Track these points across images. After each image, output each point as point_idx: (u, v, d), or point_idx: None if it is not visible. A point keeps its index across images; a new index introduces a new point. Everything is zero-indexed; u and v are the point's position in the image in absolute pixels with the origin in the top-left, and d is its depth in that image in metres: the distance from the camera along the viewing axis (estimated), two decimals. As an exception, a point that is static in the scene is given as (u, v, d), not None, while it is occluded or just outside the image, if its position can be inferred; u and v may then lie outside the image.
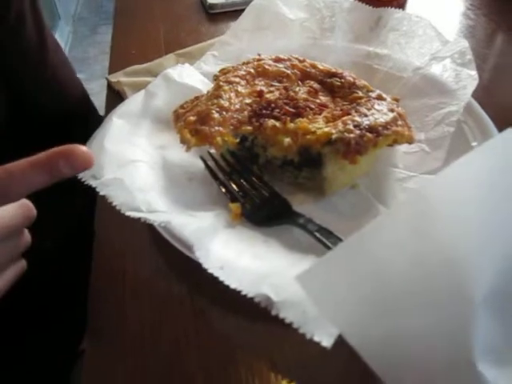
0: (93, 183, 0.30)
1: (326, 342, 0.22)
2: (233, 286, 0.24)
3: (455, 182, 0.23)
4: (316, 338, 0.22)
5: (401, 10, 0.46)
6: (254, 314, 0.24)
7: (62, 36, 3.08)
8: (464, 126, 0.36)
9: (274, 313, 0.23)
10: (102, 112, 0.50)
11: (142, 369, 0.25)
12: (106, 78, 0.49)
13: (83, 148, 0.24)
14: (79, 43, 3.21)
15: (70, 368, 0.53)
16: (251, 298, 0.24)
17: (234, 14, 0.61)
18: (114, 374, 0.26)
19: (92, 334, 0.28)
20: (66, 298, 0.51)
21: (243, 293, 0.24)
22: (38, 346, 0.51)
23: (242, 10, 0.54)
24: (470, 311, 0.18)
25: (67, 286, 0.52)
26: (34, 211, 0.29)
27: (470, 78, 0.37)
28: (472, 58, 0.38)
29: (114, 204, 0.29)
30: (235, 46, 0.44)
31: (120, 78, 0.47)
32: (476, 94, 0.38)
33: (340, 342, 0.21)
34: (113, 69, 0.51)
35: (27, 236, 0.30)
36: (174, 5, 0.65)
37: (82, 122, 0.56)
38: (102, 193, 0.29)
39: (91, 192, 0.31)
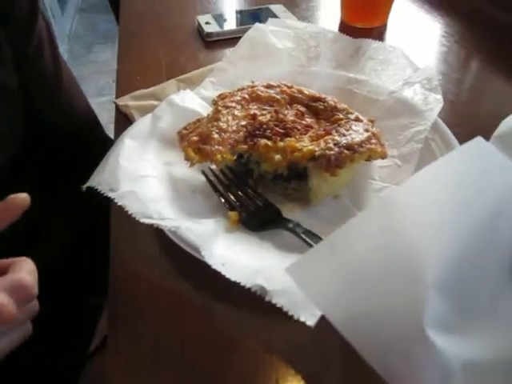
0: (111, 195, 0.34)
1: (310, 321, 0.26)
2: (233, 278, 0.29)
3: (417, 189, 0.29)
4: (302, 319, 0.27)
5: (377, 40, 0.52)
6: (253, 306, 0.29)
7: (58, 55, 3.11)
8: (431, 142, 0.42)
9: (267, 299, 0.28)
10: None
11: (156, 358, 0.30)
12: (114, 102, 0.54)
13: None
14: (74, 62, 3.26)
15: (78, 371, 0.56)
16: (249, 289, 0.29)
17: (229, 41, 0.66)
18: (136, 363, 0.30)
19: (112, 321, 0.33)
20: (75, 302, 0.55)
21: (242, 284, 0.29)
22: (48, 349, 0.54)
23: (236, 38, 0.60)
24: (423, 290, 0.23)
25: (76, 290, 0.56)
26: (32, 291, 0.29)
27: (436, 101, 0.43)
28: (438, 83, 0.44)
29: (129, 212, 0.33)
30: (231, 72, 0.50)
31: (127, 101, 0.52)
32: (446, 115, 0.44)
33: (324, 323, 0.26)
34: (119, 93, 0.56)
35: (33, 306, 0.32)
36: (173, 33, 0.71)
37: (91, 138, 0.61)
38: (119, 203, 0.34)
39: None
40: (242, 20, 0.71)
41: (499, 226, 0.29)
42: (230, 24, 0.69)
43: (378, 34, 0.70)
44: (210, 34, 0.66)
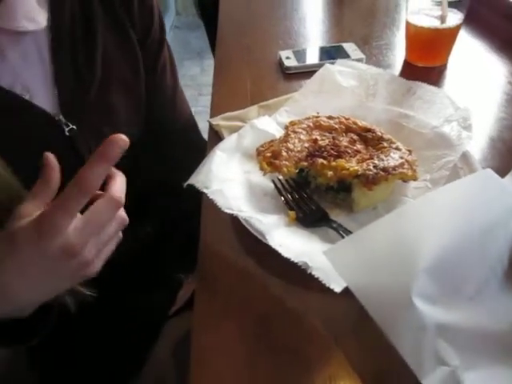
0: (205, 191, 0.48)
1: (337, 288, 0.38)
2: (286, 255, 0.41)
3: (428, 203, 0.39)
4: (331, 287, 0.38)
5: (425, 84, 0.61)
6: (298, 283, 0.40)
7: (152, 68, 3.42)
8: (460, 171, 0.51)
9: (308, 271, 0.39)
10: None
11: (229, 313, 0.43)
12: (208, 121, 0.68)
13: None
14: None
15: (158, 329, 0.69)
16: (297, 268, 0.40)
17: (305, 74, 0.79)
18: (218, 327, 0.43)
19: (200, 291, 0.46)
20: (163, 274, 0.70)
21: (291, 259, 0.40)
22: (137, 308, 0.68)
23: (311, 72, 0.72)
24: (415, 272, 0.34)
25: (164, 264, 0.70)
26: (121, 200, 0.40)
27: (467, 138, 0.52)
28: (471, 122, 0.53)
29: (217, 205, 0.46)
30: (302, 103, 0.62)
31: (219, 121, 0.66)
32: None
33: (347, 293, 0.37)
34: (213, 114, 0.70)
35: (122, 218, 0.42)
36: (259, 64, 0.84)
37: (191, 137, 0.77)
38: (210, 197, 0.47)
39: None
40: (317, 56, 0.84)
41: (490, 240, 0.38)
42: (307, 59, 0.82)
43: (439, 72, 0.79)
44: (288, 68, 0.79)
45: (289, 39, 0.94)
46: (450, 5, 0.74)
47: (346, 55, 0.81)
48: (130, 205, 0.45)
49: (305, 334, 0.39)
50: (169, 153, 0.72)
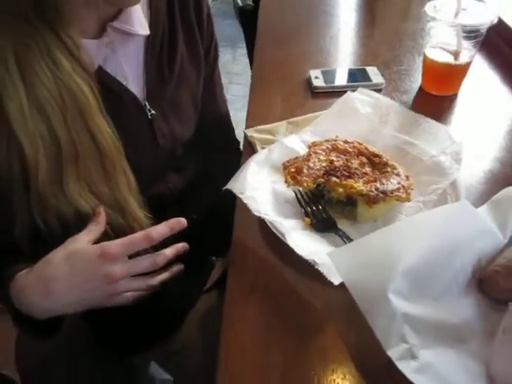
0: (240, 196, 0.60)
1: (335, 282, 0.50)
2: (299, 253, 0.54)
3: (412, 222, 0.51)
4: (331, 280, 0.50)
5: (430, 119, 0.72)
6: (307, 275, 0.53)
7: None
8: (448, 196, 0.62)
9: (315, 267, 0.52)
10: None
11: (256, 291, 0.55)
12: (244, 132, 0.81)
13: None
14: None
15: (193, 303, 0.83)
16: (307, 263, 0.53)
17: (331, 93, 0.90)
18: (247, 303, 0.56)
19: (232, 270, 0.59)
20: (201, 256, 0.83)
21: (304, 257, 0.53)
22: (177, 283, 0.81)
23: (336, 92, 0.84)
24: (393, 274, 0.46)
25: (202, 248, 0.82)
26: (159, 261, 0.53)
27: (457, 170, 0.63)
28: (461, 157, 0.64)
29: (249, 208, 0.59)
30: (324, 126, 0.74)
31: (253, 133, 0.79)
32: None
33: (342, 285, 0.49)
34: (248, 125, 0.83)
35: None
36: (291, 81, 0.96)
37: (226, 133, 0.92)
38: (244, 201, 0.60)
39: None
40: (343, 78, 0.95)
41: (457, 255, 0.50)
42: (333, 80, 0.93)
43: (450, 101, 0.89)
44: (316, 88, 0.91)
45: (320, 57, 1.05)
46: (470, 35, 0.83)
47: (368, 79, 0.92)
48: (184, 195, 0.59)
49: (308, 312, 0.52)
50: (209, 151, 0.86)
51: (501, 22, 1.01)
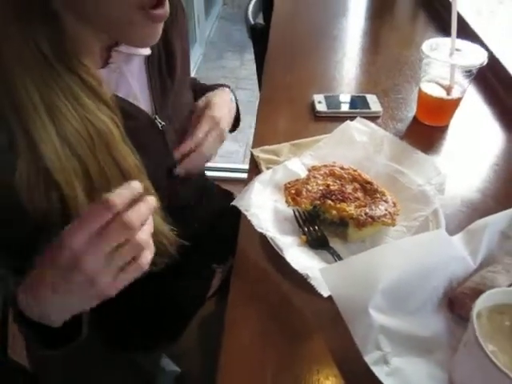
0: (245, 213, 0.68)
1: (324, 294, 0.58)
2: (295, 267, 0.61)
3: (394, 246, 0.59)
4: (321, 292, 0.58)
5: (419, 151, 0.80)
6: (301, 288, 0.60)
7: (194, 57, 3.59)
8: (430, 223, 0.70)
9: (308, 280, 0.59)
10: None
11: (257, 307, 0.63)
12: (251, 151, 0.88)
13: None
14: (206, 65, 3.74)
15: (196, 309, 0.90)
16: (303, 276, 0.61)
17: (333, 118, 0.98)
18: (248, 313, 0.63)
19: (235, 277, 0.66)
20: (204, 262, 0.90)
21: (298, 271, 0.61)
22: (180, 290, 0.88)
23: (337, 117, 0.92)
24: (374, 291, 0.53)
25: (206, 254, 0.89)
26: (132, 224, 0.44)
27: (439, 199, 0.71)
28: (444, 187, 0.72)
29: (252, 224, 0.67)
30: (323, 151, 0.82)
31: (259, 153, 0.87)
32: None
33: (330, 298, 0.57)
34: (255, 145, 0.90)
35: (137, 243, 0.45)
36: (296, 104, 1.04)
37: None
38: (248, 218, 0.67)
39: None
40: (344, 104, 1.02)
41: (431, 277, 0.58)
42: (335, 106, 1.01)
43: (441, 131, 0.97)
44: (319, 112, 0.99)
45: (324, 81, 1.14)
46: (461, 74, 0.90)
47: (367, 106, 1.00)
48: (185, 205, 0.65)
49: (299, 319, 0.60)
50: None
51: (494, 59, 1.09)
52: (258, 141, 0.92)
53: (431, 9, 1.56)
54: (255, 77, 1.60)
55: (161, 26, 0.59)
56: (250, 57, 3.20)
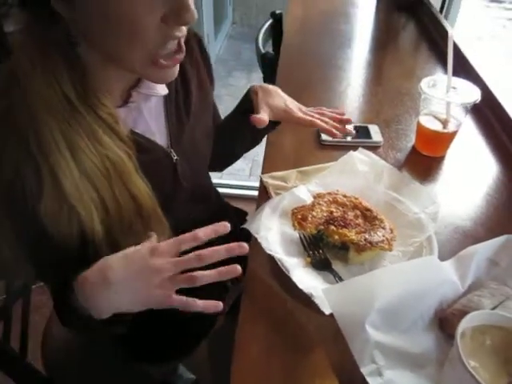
0: (255, 235, 0.75)
1: (326, 312, 0.64)
2: (300, 286, 0.68)
3: (390, 271, 0.65)
4: (323, 310, 0.64)
5: (416, 181, 0.87)
6: (306, 305, 0.67)
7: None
8: (424, 249, 0.76)
9: (312, 299, 0.66)
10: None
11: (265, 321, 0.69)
12: (260, 176, 0.95)
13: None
14: (215, 82, 3.85)
15: (211, 325, 0.96)
16: (307, 295, 0.67)
17: (338, 147, 1.05)
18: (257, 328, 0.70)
19: (246, 294, 0.73)
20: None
21: (303, 290, 0.67)
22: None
23: (343, 146, 0.99)
24: (371, 310, 0.60)
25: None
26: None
27: (433, 227, 0.77)
28: (438, 216, 0.79)
29: (262, 246, 0.73)
30: (328, 179, 0.89)
31: (268, 179, 0.94)
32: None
33: (331, 315, 0.63)
34: (264, 170, 0.98)
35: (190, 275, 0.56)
36: (301, 134, 1.10)
37: None
38: (258, 240, 0.74)
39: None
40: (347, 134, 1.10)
41: (423, 298, 0.64)
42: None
43: (438, 162, 1.04)
44: (324, 141, 1.06)
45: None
46: (457, 109, 0.98)
47: (369, 136, 1.07)
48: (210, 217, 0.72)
49: (303, 334, 0.66)
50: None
51: (490, 95, 1.17)
52: (267, 166, 0.99)
53: (432, 41, 1.64)
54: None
55: (177, 68, 0.65)
56: (257, 75, 3.29)
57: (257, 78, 3.54)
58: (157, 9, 0.55)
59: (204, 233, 0.56)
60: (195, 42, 0.84)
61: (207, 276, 0.56)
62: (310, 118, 0.88)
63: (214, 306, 0.58)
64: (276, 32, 1.78)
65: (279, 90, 0.94)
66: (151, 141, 0.74)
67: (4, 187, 0.58)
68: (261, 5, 5.66)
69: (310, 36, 1.69)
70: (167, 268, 0.55)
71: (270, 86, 0.93)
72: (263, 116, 0.84)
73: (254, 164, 2.79)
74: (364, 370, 0.57)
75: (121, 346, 0.90)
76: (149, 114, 0.74)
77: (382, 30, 1.88)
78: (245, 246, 0.57)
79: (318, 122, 0.88)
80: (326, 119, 0.89)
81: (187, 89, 0.82)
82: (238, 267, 0.57)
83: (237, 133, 0.96)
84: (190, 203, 0.86)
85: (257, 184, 0.98)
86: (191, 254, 0.56)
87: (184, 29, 0.60)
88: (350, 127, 1.11)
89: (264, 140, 1.08)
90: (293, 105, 0.91)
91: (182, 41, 0.62)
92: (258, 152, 2.89)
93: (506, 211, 0.91)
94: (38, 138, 0.57)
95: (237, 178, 2.58)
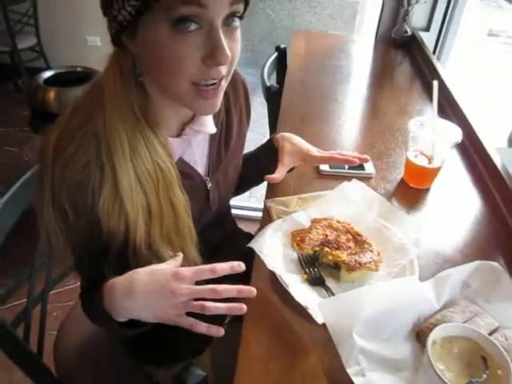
0: (259, 254, 0.86)
1: (319, 321, 0.74)
2: (297, 299, 0.78)
3: (374, 288, 0.76)
4: (317, 320, 0.75)
5: (402, 211, 0.98)
6: (303, 316, 0.77)
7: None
8: (406, 270, 0.87)
9: (308, 311, 0.76)
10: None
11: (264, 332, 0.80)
12: (264, 201, 1.07)
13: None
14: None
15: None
16: (303, 307, 0.77)
17: (334, 177, 1.16)
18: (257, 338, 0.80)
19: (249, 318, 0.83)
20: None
21: (300, 303, 0.77)
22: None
23: (339, 176, 1.11)
24: (358, 320, 0.70)
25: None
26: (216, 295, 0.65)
27: (415, 252, 0.88)
28: (420, 242, 0.90)
29: (265, 263, 0.84)
30: (324, 206, 1.00)
31: (271, 204, 1.05)
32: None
33: (324, 325, 0.73)
34: (268, 195, 1.09)
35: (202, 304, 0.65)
36: (298, 166, 1.22)
37: None
38: (261, 258, 0.85)
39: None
40: (343, 165, 1.21)
41: (403, 313, 0.75)
42: (335, 166, 1.19)
43: (424, 193, 1.15)
44: (322, 171, 1.18)
45: (328, 141, 1.33)
46: (441, 148, 1.10)
47: (363, 168, 1.19)
48: (216, 247, 0.82)
49: (298, 340, 0.76)
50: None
51: (473, 134, 1.29)
52: (271, 193, 1.10)
53: (424, 80, 1.78)
54: (264, 120, 1.79)
55: (217, 101, 0.73)
56: (259, 99, 3.44)
57: (260, 103, 3.68)
58: (197, 51, 0.65)
59: (221, 268, 0.66)
60: (242, 87, 0.98)
61: (217, 308, 0.65)
62: (329, 154, 1.01)
63: (216, 331, 0.68)
64: (280, 65, 1.92)
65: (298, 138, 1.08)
66: (194, 169, 0.88)
67: (74, 181, 0.68)
68: (265, 32, 5.87)
69: (311, 71, 1.83)
70: (184, 293, 0.64)
71: (288, 134, 1.08)
72: (278, 175, 0.98)
73: (253, 185, 2.90)
74: (350, 371, 0.67)
75: (132, 349, 0.99)
76: (196, 147, 0.87)
77: (379, 66, 2.03)
78: (253, 291, 0.67)
79: (336, 155, 1.00)
80: (343, 152, 1.03)
81: (229, 130, 0.95)
82: (245, 307, 0.67)
83: (257, 174, 1.08)
84: (212, 226, 0.98)
85: (256, 205, 1.10)
86: (207, 287, 0.65)
87: (221, 70, 0.69)
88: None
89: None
90: (311, 147, 1.04)
91: (224, 79, 0.72)
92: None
93: (482, 240, 1.02)
94: (108, 142, 0.68)
95: (237, 198, 2.68)
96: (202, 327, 0.68)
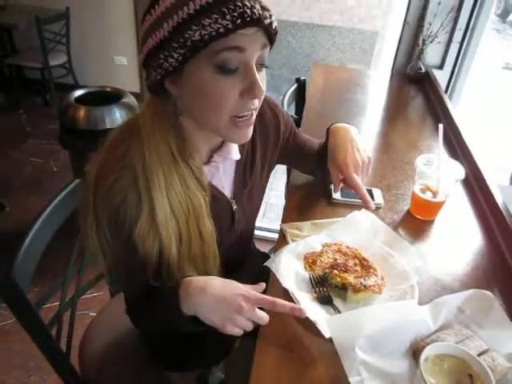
0: (275, 272, 0.96)
1: (327, 336, 0.84)
2: (307, 315, 0.87)
3: (375, 309, 0.86)
4: (324, 334, 0.84)
5: (405, 241, 1.08)
6: (311, 330, 0.87)
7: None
8: (407, 295, 0.96)
9: (316, 326, 0.86)
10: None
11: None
12: (280, 225, 1.17)
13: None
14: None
15: (228, 349, 1.16)
16: (312, 322, 0.87)
17: (345, 205, 1.26)
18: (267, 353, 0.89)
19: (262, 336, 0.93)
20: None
21: (309, 318, 0.87)
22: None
23: (350, 205, 1.21)
24: (360, 336, 0.79)
25: None
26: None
27: (415, 278, 0.97)
28: (420, 270, 0.99)
29: (279, 281, 0.94)
30: (335, 232, 1.10)
31: (286, 228, 1.15)
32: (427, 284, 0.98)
33: (331, 339, 0.83)
34: (284, 220, 1.19)
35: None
36: (315, 192, 1.32)
37: None
38: (277, 276, 0.95)
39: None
40: (354, 194, 1.31)
41: (401, 332, 0.84)
42: (346, 196, 1.29)
43: (428, 224, 1.24)
44: (334, 199, 1.28)
45: (340, 174, 1.43)
46: (445, 183, 1.19)
47: (372, 198, 1.28)
48: (235, 265, 0.92)
49: (307, 352, 0.86)
50: None
51: (477, 170, 1.39)
52: (287, 217, 1.21)
53: (436, 116, 1.89)
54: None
55: (250, 130, 0.82)
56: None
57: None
58: (236, 88, 0.74)
59: (280, 304, 0.79)
60: (274, 120, 1.08)
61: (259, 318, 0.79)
62: (359, 186, 1.10)
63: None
64: (299, 96, 2.04)
65: (349, 135, 1.19)
66: (221, 192, 0.96)
67: (113, 209, 0.77)
68: (285, 58, 6.06)
69: (328, 103, 1.95)
70: (244, 311, 0.75)
71: (342, 133, 1.20)
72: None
73: (267, 206, 3.01)
74: (351, 380, 0.76)
75: (155, 354, 1.09)
76: (223, 172, 0.96)
77: (393, 101, 2.14)
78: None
79: (362, 190, 1.09)
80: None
81: (254, 157, 1.05)
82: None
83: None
84: (235, 247, 1.07)
85: (269, 225, 1.20)
86: (264, 314, 0.78)
87: (256, 102, 0.78)
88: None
89: (283, 191, 1.31)
90: (351, 160, 1.12)
91: (255, 111, 0.80)
92: (270, 195, 3.14)
93: (480, 270, 1.11)
94: (146, 177, 0.76)
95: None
96: (237, 336, 0.78)
